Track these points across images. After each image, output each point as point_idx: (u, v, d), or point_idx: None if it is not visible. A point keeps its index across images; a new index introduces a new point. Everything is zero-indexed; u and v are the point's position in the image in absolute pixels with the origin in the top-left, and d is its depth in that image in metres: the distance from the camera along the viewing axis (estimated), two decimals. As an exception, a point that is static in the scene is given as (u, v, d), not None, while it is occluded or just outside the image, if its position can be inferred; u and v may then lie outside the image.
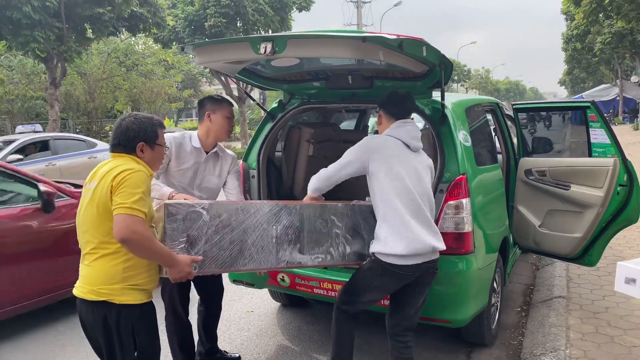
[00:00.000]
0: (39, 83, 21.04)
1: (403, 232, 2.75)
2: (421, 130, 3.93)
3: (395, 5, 36.42)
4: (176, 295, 3.27)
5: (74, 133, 18.65)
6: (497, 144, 4.74)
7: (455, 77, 61.00)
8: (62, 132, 16.74)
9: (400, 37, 2.62)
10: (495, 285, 3.78)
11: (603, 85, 44.24)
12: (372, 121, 6.09)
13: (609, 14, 20.58)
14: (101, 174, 2.27)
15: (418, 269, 2.81)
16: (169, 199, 2.89)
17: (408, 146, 2.93)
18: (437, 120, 3.44)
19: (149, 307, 2.41)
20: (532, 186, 4.42)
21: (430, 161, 3.05)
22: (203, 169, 3.24)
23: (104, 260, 2.25)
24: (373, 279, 2.88)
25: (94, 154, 12.21)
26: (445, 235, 3.20)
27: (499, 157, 4.65)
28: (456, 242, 3.21)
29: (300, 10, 23.41)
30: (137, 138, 2.36)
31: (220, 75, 18.45)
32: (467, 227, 3.20)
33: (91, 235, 2.27)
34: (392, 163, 2.83)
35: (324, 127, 4.94)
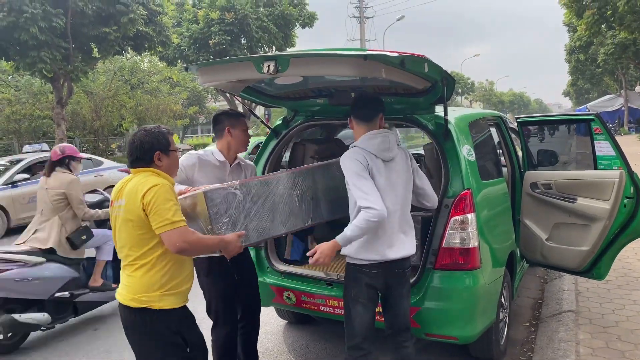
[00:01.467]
0: (46, 102, 21.25)
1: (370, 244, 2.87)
2: (425, 146, 3.95)
3: (398, 20, 36.66)
4: (221, 309, 3.32)
5: (80, 151, 18.76)
6: (502, 158, 4.74)
7: (459, 90, 61.19)
8: (68, 150, 16.82)
9: (402, 54, 2.63)
10: (503, 300, 3.75)
11: (608, 96, 44.18)
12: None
13: (611, 25, 20.60)
14: (128, 192, 2.45)
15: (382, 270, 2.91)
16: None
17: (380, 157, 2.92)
18: (441, 135, 3.44)
19: (187, 310, 2.65)
20: (538, 199, 4.40)
21: (406, 157, 3.05)
22: (230, 180, 3.29)
23: (143, 270, 2.46)
24: (352, 290, 2.97)
25: (100, 172, 12.28)
26: (451, 251, 3.20)
27: (504, 170, 4.64)
28: (462, 257, 3.19)
29: (303, 26, 23.64)
30: (153, 149, 2.52)
31: (225, 92, 18.60)
32: (473, 242, 3.19)
33: (130, 250, 2.48)
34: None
35: (328, 143, 4.95)
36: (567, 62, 42.46)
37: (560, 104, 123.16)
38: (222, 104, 46.32)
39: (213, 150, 3.38)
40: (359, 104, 3.05)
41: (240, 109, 23.31)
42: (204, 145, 39.62)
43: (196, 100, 38.89)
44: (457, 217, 3.21)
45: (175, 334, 2.54)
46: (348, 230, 2.76)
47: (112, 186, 12.38)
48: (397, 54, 2.61)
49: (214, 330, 3.38)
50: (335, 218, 3.41)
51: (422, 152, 4.54)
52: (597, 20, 19.79)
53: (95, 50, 16.27)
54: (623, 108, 38.73)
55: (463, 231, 3.20)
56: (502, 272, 3.65)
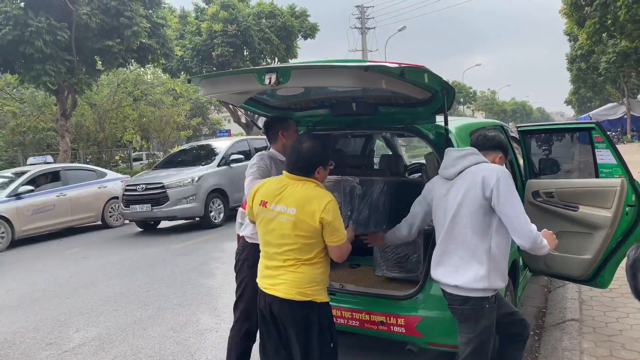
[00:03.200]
0: (50, 115, 21.42)
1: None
2: (426, 155, 3.97)
3: (400, 30, 36.84)
4: (251, 306, 3.30)
5: (84, 163, 18.85)
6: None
7: (461, 99, 61.26)
8: (72, 162, 16.97)
9: (402, 65, 2.66)
10: (505, 309, 3.73)
11: (610, 104, 44.15)
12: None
13: (612, 34, 20.66)
14: (299, 201, 2.61)
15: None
16: None
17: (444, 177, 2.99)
18: (442, 144, 3.45)
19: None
20: (540, 208, 4.41)
21: (472, 178, 2.82)
22: None
23: (307, 267, 2.65)
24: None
25: (103, 183, 12.36)
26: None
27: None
28: (465, 266, 3.19)
29: (305, 37, 23.80)
30: (318, 163, 2.73)
31: (228, 104, 18.66)
32: (475, 251, 3.18)
33: (296, 253, 2.64)
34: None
35: (330, 153, 4.97)
36: (569, 71, 42.51)
37: (562, 113, 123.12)
38: (225, 115, 46.48)
39: (271, 152, 3.54)
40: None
41: (242, 120, 23.42)
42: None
43: (199, 112, 39.06)
44: (458, 226, 3.21)
45: (327, 328, 2.74)
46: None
47: (116, 197, 12.48)
48: (397, 65, 2.64)
49: (234, 326, 3.46)
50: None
51: (423, 161, 4.56)
52: (598, 29, 19.85)
53: (99, 62, 16.44)
54: (625, 116, 38.70)
55: (465, 240, 3.20)
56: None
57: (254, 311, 3.08)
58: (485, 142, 3.09)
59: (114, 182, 12.67)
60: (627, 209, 4.06)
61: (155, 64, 19.29)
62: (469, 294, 2.76)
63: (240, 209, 3.72)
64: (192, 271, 7.32)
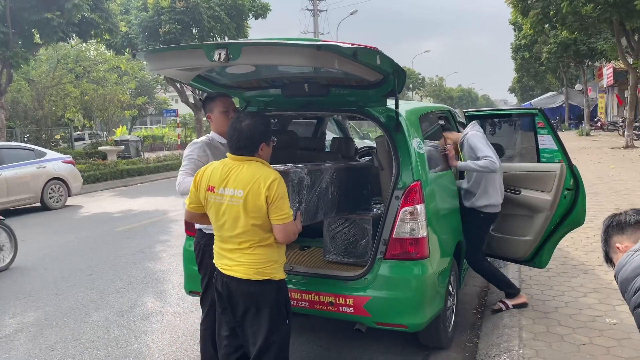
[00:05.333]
0: (-17, 90, 20.15)
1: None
2: (377, 138, 4.00)
3: (351, 14, 36.85)
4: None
5: (21, 142, 17.90)
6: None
7: (410, 85, 62.16)
8: (8, 141, 16.09)
9: (355, 45, 2.65)
10: (450, 288, 3.85)
11: (550, 93, 46.06)
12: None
13: (554, 25, 21.42)
14: (245, 183, 2.56)
15: None
16: None
17: None
18: (392, 127, 3.48)
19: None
20: (484, 191, 4.54)
21: None
22: None
23: (263, 248, 2.64)
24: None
25: (42, 163, 11.77)
26: (401, 241, 3.26)
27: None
28: (412, 247, 3.26)
29: (256, 17, 23.37)
30: (260, 140, 2.65)
31: (175, 82, 18.15)
32: (422, 233, 3.26)
33: (249, 235, 2.61)
34: None
35: (281, 135, 4.92)
36: (514, 60, 43.90)
37: (506, 100, 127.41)
38: (172, 95, 45.26)
39: (212, 135, 3.39)
40: None
41: (191, 100, 22.88)
42: (154, 137, 38.68)
43: (145, 91, 37.88)
44: (407, 208, 3.27)
45: (284, 304, 2.76)
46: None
47: (57, 178, 11.97)
48: (349, 46, 2.62)
49: (205, 319, 3.31)
50: (345, 213, 3.81)
51: (373, 144, 4.59)
52: (540, 19, 20.52)
53: (37, 36, 15.55)
54: (564, 105, 40.50)
55: (413, 222, 3.26)
56: (450, 261, 3.75)
57: None
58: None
59: (54, 162, 12.10)
60: (565, 192, 4.25)
61: (99, 40, 18.48)
62: None
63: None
64: (137, 254, 7.13)
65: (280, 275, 2.73)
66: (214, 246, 2.82)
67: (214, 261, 2.81)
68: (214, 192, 2.65)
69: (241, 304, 2.71)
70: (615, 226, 2.02)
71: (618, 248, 1.98)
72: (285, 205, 2.59)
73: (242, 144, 2.62)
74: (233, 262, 2.67)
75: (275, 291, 2.69)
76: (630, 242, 1.95)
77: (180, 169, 3.25)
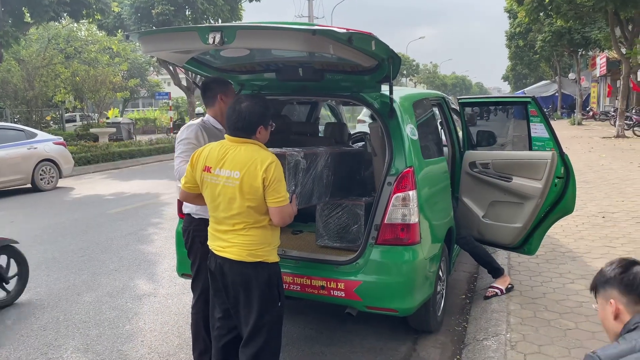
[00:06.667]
0: (-28, 69, 19.89)
1: None
2: (370, 124, 4.01)
3: (346, -2, 36.60)
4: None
5: (12, 123, 17.71)
6: (444, 137, 4.88)
7: (404, 72, 62.04)
8: (-2, 121, 15.91)
9: (350, 31, 2.64)
10: (440, 273, 3.90)
11: (543, 82, 46.11)
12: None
13: (549, 13, 21.39)
14: (242, 164, 2.57)
15: None
16: None
17: None
18: (386, 114, 3.49)
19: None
20: (476, 178, 4.59)
21: None
22: None
23: (257, 229, 2.66)
24: None
25: (33, 144, 11.68)
26: (393, 227, 3.30)
27: (445, 150, 4.78)
28: (403, 232, 3.29)
29: (251, 0, 23.12)
30: (258, 123, 2.67)
31: (168, 64, 17.97)
32: (414, 219, 3.29)
33: (244, 217, 2.62)
34: None
35: (275, 119, 4.90)
36: (508, 48, 43.86)
37: (499, 88, 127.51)
38: (164, 77, 44.84)
39: (208, 118, 3.33)
40: None
41: (183, 82, 22.70)
42: (146, 120, 38.39)
43: (137, 73, 37.50)
44: (399, 194, 3.30)
45: (276, 287, 2.78)
46: None
47: (47, 159, 11.88)
48: (345, 31, 2.62)
49: (197, 302, 3.31)
50: (338, 198, 3.88)
51: (367, 130, 4.60)
52: (536, 7, 20.50)
53: (28, 15, 15.31)
54: (557, 94, 40.60)
55: (405, 207, 3.29)
56: (441, 247, 3.79)
57: None
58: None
59: (45, 143, 12.01)
60: (555, 180, 4.30)
61: (90, 20, 18.20)
62: None
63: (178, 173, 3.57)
64: (130, 236, 7.13)
65: (273, 258, 2.75)
66: (208, 228, 2.83)
67: (208, 243, 2.82)
68: (210, 172, 2.66)
69: (234, 286, 2.73)
70: (619, 279, 1.74)
71: (611, 303, 1.75)
72: (282, 188, 2.61)
73: (240, 125, 2.63)
74: (227, 243, 2.69)
75: (267, 274, 2.70)
76: (623, 306, 1.72)
77: (177, 154, 3.19)
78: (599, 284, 1.81)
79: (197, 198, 2.84)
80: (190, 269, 3.37)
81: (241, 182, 2.57)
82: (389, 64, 3.23)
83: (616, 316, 1.72)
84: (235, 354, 2.87)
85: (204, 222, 3.02)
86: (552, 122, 4.72)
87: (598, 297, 1.82)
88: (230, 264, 2.69)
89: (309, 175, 3.41)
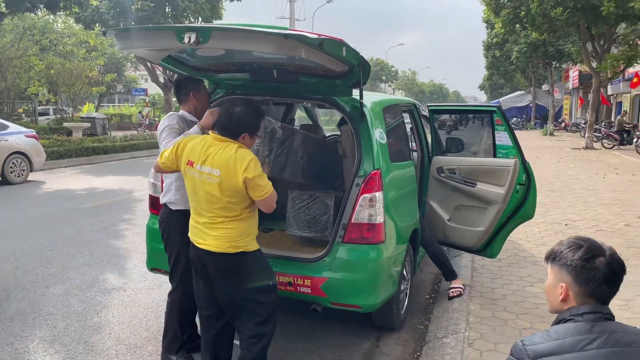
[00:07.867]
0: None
1: None
2: (341, 127, 4.13)
3: (328, 2, 36.79)
4: (187, 271, 3.24)
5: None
6: (414, 143, 5.02)
7: (384, 78, 62.51)
8: (-32, 112, 15.59)
9: (321, 36, 2.75)
10: (405, 273, 4.04)
11: (518, 92, 47.04)
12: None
13: (524, 25, 21.92)
14: (223, 163, 2.68)
15: None
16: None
17: None
18: (356, 117, 3.62)
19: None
20: (442, 183, 4.74)
21: None
22: None
23: (236, 222, 2.76)
24: None
25: (4, 136, 11.50)
26: (359, 226, 3.42)
27: (415, 155, 4.93)
28: (369, 232, 3.42)
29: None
30: (245, 130, 2.79)
31: (146, 61, 17.86)
32: (379, 219, 3.42)
33: (223, 211, 2.74)
34: None
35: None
36: (485, 58, 44.62)
37: (476, 97, 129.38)
38: (142, 73, 44.35)
39: (182, 113, 3.44)
40: None
41: (161, 79, 22.52)
42: (121, 116, 37.93)
43: (114, 68, 37.01)
44: (366, 195, 3.42)
45: (262, 270, 2.90)
46: None
47: (18, 152, 11.70)
48: (316, 36, 2.72)
49: (174, 292, 3.41)
50: (309, 189, 4.01)
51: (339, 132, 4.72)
52: (512, 19, 20.98)
53: (3, 5, 15.04)
54: (531, 104, 41.48)
55: (371, 208, 3.42)
56: (405, 248, 3.92)
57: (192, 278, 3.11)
58: None
59: (17, 136, 11.83)
60: (517, 187, 4.48)
61: (67, 12, 17.98)
62: None
63: (152, 170, 3.63)
64: (101, 231, 7.11)
65: (253, 246, 2.87)
66: (190, 220, 2.93)
67: (189, 235, 2.93)
68: (192, 167, 2.78)
69: (218, 277, 2.85)
70: (579, 270, 1.68)
71: (562, 286, 1.71)
72: (264, 181, 2.74)
73: (228, 126, 2.76)
74: (207, 236, 2.80)
75: (250, 260, 2.83)
76: (573, 294, 1.70)
77: (162, 144, 3.22)
78: (555, 261, 1.75)
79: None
80: (168, 261, 3.44)
81: (221, 180, 2.69)
82: (359, 70, 3.35)
83: (564, 299, 1.72)
84: (227, 343, 3.01)
85: (182, 214, 3.15)
86: (525, 133, 4.92)
87: (551, 268, 1.78)
88: (212, 257, 2.80)
89: (284, 147, 3.58)
